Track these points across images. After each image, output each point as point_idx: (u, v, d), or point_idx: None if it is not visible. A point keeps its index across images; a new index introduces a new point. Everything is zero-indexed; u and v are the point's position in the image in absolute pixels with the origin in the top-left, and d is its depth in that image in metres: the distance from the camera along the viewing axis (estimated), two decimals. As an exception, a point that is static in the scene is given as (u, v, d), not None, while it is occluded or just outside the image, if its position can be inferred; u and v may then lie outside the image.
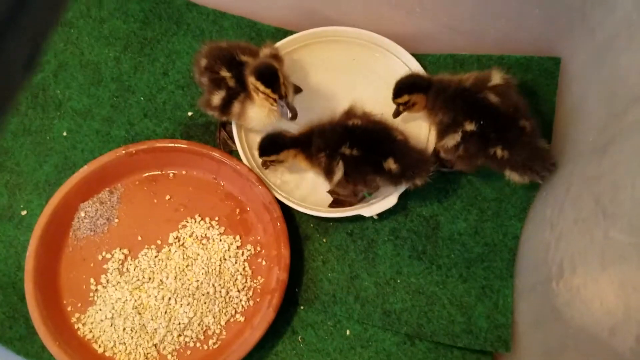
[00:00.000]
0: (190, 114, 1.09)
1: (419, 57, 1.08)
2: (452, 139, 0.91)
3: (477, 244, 0.99)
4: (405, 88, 0.96)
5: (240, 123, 1.00)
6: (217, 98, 0.96)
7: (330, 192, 1.01)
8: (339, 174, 0.92)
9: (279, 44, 1.07)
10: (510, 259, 0.96)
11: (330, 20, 1.10)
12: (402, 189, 0.97)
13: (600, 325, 0.65)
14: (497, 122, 0.89)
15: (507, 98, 0.91)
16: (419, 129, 1.05)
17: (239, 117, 0.97)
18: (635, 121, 0.73)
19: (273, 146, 0.94)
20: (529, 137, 0.90)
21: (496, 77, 0.93)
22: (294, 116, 0.89)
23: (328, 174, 0.94)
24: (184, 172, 1.04)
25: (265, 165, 0.98)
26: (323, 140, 0.93)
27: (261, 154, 0.96)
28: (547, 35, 1.03)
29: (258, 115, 0.94)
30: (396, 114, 1.00)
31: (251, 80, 0.89)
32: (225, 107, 0.96)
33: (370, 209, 0.97)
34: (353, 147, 0.91)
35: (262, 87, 0.88)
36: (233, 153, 1.03)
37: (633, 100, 0.75)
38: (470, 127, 0.90)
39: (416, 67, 1.07)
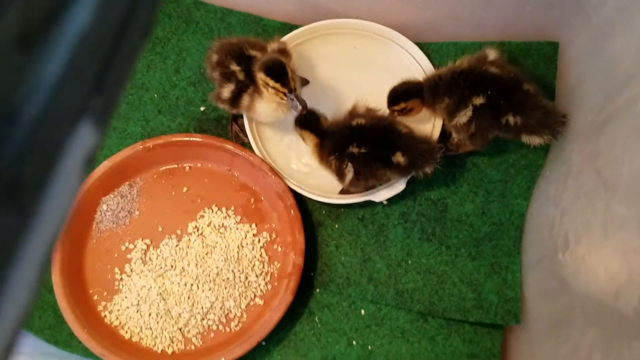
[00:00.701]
0: (202, 109, 1.13)
1: (422, 46, 1.12)
2: (464, 116, 0.94)
3: (485, 223, 1.02)
4: (402, 95, 1.00)
5: (250, 116, 1.04)
6: (227, 91, 1.00)
7: (343, 191, 1.05)
8: (349, 175, 0.96)
9: (285, 38, 1.11)
10: (517, 236, 1.00)
11: (334, 13, 1.14)
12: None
13: (605, 291, 0.68)
14: (503, 90, 0.93)
15: (505, 68, 0.95)
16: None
17: (249, 110, 1.01)
18: (629, 100, 0.76)
19: (301, 121, 0.99)
20: (535, 98, 0.94)
21: (492, 54, 0.98)
22: (304, 108, 0.92)
23: (340, 176, 0.98)
24: (199, 165, 1.08)
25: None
26: (332, 142, 0.97)
27: (294, 124, 1.01)
28: (545, 21, 1.07)
29: (266, 109, 0.98)
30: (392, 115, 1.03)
31: (260, 76, 0.93)
32: (235, 99, 1.00)
33: (380, 195, 1.01)
34: (361, 146, 0.95)
35: (271, 82, 0.91)
36: (245, 145, 1.07)
37: (627, 80, 0.78)
38: (478, 100, 0.93)
39: (420, 56, 1.11)
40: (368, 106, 1.00)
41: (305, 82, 1.07)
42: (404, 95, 0.99)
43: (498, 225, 1.02)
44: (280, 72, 0.92)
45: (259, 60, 0.96)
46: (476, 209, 1.04)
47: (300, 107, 0.92)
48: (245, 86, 0.98)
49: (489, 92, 0.93)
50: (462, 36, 1.13)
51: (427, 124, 1.08)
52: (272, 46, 1.02)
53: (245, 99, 0.99)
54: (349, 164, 0.95)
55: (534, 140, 0.95)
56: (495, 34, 1.12)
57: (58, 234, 0.15)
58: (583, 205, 0.78)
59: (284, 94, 0.92)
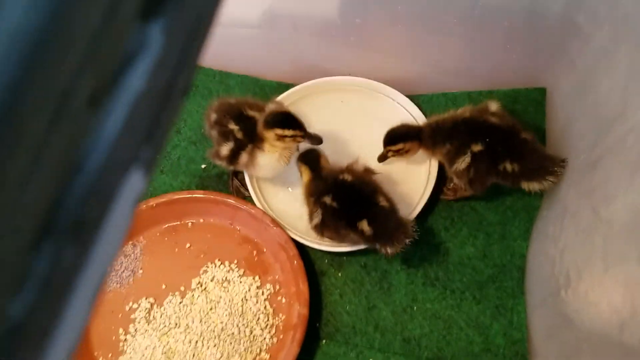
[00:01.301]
0: (203, 166, 1.15)
1: (413, 98, 1.16)
2: (463, 162, 0.97)
3: (487, 266, 1.03)
4: (401, 136, 1.03)
5: (250, 172, 1.06)
6: (225, 149, 1.02)
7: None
8: (315, 220, 0.98)
9: (281, 97, 1.15)
10: (520, 277, 1.01)
11: (327, 71, 1.19)
12: None
13: (610, 325, 0.69)
14: (501, 138, 0.96)
15: (504, 119, 0.99)
16: (419, 174, 1.11)
17: (247, 167, 1.03)
18: (619, 138, 0.79)
19: (302, 155, 1.03)
20: (533, 145, 0.97)
21: (493, 106, 1.02)
22: (320, 141, 0.97)
23: (310, 217, 1.00)
24: (201, 221, 1.09)
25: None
26: (316, 185, 1.00)
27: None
28: (531, 68, 1.12)
29: (268, 161, 1.00)
30: (382, 158, 1.06)
31: (276, 132, 0.96)
32: (234, 157, 1.02)
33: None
34: (334, 200, 0.97)
35: (290, 132, 0.95)
36: (247, 199, 1.09)
37: (615, 119, 0.82)
38: (477, 147, 0.96)
39: (412, 108, 1.15)
40: (368, 166, 1.03)
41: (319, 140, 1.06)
42: (403, 136, 1.02)
43: (500, 267, 1.03)
44: (292, 119, 0.96)
45: (261, 119, 0.99)
46: (477, 251, 1.05)
47: (316, 142, 0.97)
48: (244, 144, 1.01)
49: (487, 140, 0.96)
50: (451, 87, 1.17)
51: (423, 165, 1.10)
52: (271, 107, 1.05)
53: (244, 157, 1.02)
54: (319, 211, 0.97)
55: (534, 186, 0.97)
56: (483, 83, 1.16)
57: (110, 268, 0.17)
58: (582, 242, 0.80)
59: (302, 136, 0.96)
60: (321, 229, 0.98)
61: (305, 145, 1.03)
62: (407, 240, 0.94)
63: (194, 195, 1.08)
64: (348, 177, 0.98)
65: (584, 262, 0.78)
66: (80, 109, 0.13)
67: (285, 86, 1.20)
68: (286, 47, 1.16)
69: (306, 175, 1.02)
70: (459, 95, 1.17)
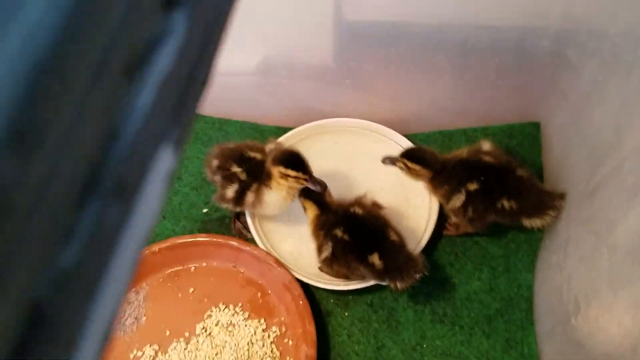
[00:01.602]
0: (205, 210, 1.16)
1: (410, 137, 1.18)
2: (458, 200, 0.98)
3: (494, 299, 1.03)
4: (423, 160, 1.01)
5: (255, 211, 1.07)
6: (230, 191, 1.03)
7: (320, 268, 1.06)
8: (325, 253, 0.98)
9: (280, 139, 1.17)
10: (528, 309, 1.00)
11: (324, 114, 1.21)
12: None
13: (622, 347, 0.68)
14: (497, 175, 0.98)
15: (499, 157, 1.00)
16: (421, 209, 1.12)
17: (254, 206, 1.04)
18: (615, 165, 0.80)
19: (305, 191, 1.01)
20: (529, 182, 0.98)
21: (486, 145, 1.03)
22: (324, 188, 0.97)
23: (318, 251, 1.00)
24: (204, 264, 1.09)
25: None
26: (325, 218, 1.00)
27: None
28: (524, 103, 1.15)
29: (275, 199, 1.01)
30: (390, 162, 1.04)
31: (279, 170, 0.97)
32: (239, 198, 1.03)
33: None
34: (345, 233, 0.97)
35: (292, 172, 0.96)
36: (249, 241, 1.09)
37: (610, 148, 0.83)
38: (473, 186, 0.97)
39: (409, 146, 1.17)
40: (376, 201, 1.04)
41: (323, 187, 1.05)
42: (424, 161, 1.01)
43: (507, 300, 1.02)
44: (298, 161, 0.97)
45: (270, 155, 1.01)
46: (483, 286, 1.05)
47: (320, 189, 0.97)
48: (248, 185, 1.02)
49: (483, 178, 0.98)
50: (447, 125, 1.20)
51: (424, 200, 1.11)
52: (270, 147, 1.07)
53: (250, 197, 1.03)
54: (329, 244, 0.97)
55: (535, 223, 0.98)
56: (478, 120, 1.19)
57: (149, 232, 0.17)
58: (587, 268, 0.80)
59: (305, 180, 0.96)
60: (330, 262, 0.97)
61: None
62: (417, 275, 0.94)
63: (196, 239, 1.08)
64: (359, 210, 0.99)
65: (591, 288, 0.78)
66: (116, 77, 0.14)
67: (284, 130, 1.22)
68: (283, 92, 1.19)
69: (312, 210, 1.02)
70: (455, 132, 1.19)
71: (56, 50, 0.11)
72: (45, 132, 0.12)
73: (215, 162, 1.07)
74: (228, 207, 1.06)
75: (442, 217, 1.09)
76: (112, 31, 0.13)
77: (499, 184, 0.98)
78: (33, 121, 0.11)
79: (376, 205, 1.03)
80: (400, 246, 0.97)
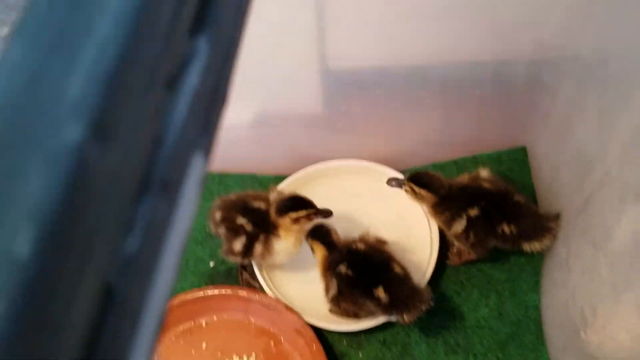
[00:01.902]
0: (211, 264, 1.18)
1: (405, 172, 1.22)
2: (460, 225, 1.01)
3: (504, 324, 1.04)
4: (430, 185, 1.04)
5: (265, 261, 1.08)
6: (238, 244, 1.05)
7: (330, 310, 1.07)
8: (332, 291, 1.00)
9: (280, 186, 1.21)
10: (538, 330, 1.01)
11: (320, 158, 1.25)
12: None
13: (634, 353, 0.70)
14: (495, 201, 1.01)
15: (497, 183, 1.04)
16: (422, 242, 1.15)
17: (263, 257, 1.06)
18: (603, 176, 0.84)
19: (312, 231, 1.03)
20: (526, 207, 1.01)
21: (483, 172, 1.07)
22: (331, 214, 1.01)
23: (326, 290, 1.02)
24: (215, 318, 1.10)
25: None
26: (332, 258, 1.02)
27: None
28: (509, 129, 1.19)
29: (285, 247, 1.03)
30: (396, 184, 1.08)
31: (290, 216, 1.00)
32: (247, 250, 1.05)
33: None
34: (349, 268, 0.99)
35: (303, 212, 0.99)
36: (257, 289, 1.11)
37: (596, 160, 0.87)
38: (473, 212, 1.00)
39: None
40: (379, 237, 1.07)
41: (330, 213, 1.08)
42: (430, 186, 1.04)
43: (517, 324, 1.03)
44: (300, 200, 1.01)
45: (272, 209, 1.03)
46: (492, 312, 1.06)
47: (328, 215, 1.01)
48: (256, 236, 1.04)
49: (482, 204, 1.01)
50: (438, 157, 1.24)
51: (424, 232, 1.14)
52: (272, 195, 1.10)
53: (258, 248, 1.04)
54: (335, 281, 0.99)
55: (535, 246, 1.01)
56: (466, 150, 1.23)
57: (189, 229, 0.20)
58: (589, 279, 0.82)
59: (315, 213, 1.00)
60: (337, 300, 0.99)
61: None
62: (424, 307, 0.95)
63: (205, 293, 1.09)
64: (361, 245, 1.01)
65: (595, 298, 0.80)
66: (161, 89, 0.17)
67: (282, 178, 1.26)
68: (278, 141, 1.23)
69: (320, 251, 1.04)
70: (446, 164, 1.23)
71: (122, 62, 0.15)
72: (118, 128, 0.15)
73: (218, 215, 1.09)
74: (236, 260, 1.08)
75: (443, 249, 1.12)
76: (157, 51, 0.16)
77: (498, 209, 1.01)
78: (109, 118, 0.14)
79: (380, 241, 1.05)
80: (404, 278, 0.99)
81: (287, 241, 1.03)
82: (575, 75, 0.94)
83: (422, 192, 1.04)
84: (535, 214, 1.02)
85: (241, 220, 1.05)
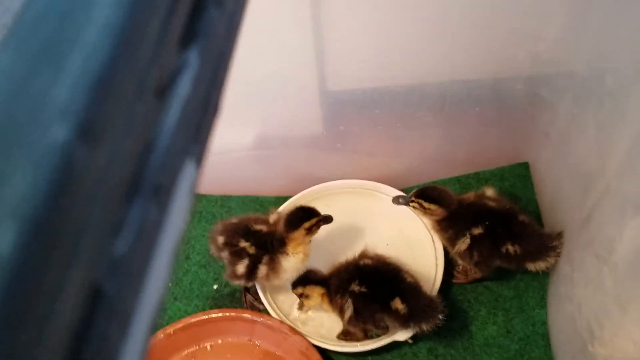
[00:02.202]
0: (215, 287, 1.17)
1: (406, 191, 1.22)
2: (463, 243, 1.01)
3: (512, 341, 1.02)
4: (438, 200, 1.04)
5: (268, 283, 1.08)
6: (241, 267, 1.04)
7: (340, 336, 1.06)
8: (348, 312, 0.99)
9: (280, 208, 1.21)
10: (546, 345, 1.00)
11: (321, 178, 1.25)
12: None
13: (643, 365, 0.69)
14: (500, 220, 1.01)
15: (502, 202, 1.04)
16: (427, 260, 1.14)
17: (267, 278, 1.05)
18: (604, 189, 0.84)
19: (300, 279, 1.02)
20: (531, 227, 1.01)
21: (489, 191, 1.07)
22: (331, 219, 1.02)
23: (340, 312, 1.00)
24: (219, 342, 1.09)
25: (300, 305, 1.04)
26: (337, 280, 1.01)
27: (292, 288, 1.04)
28: (510, 145, 1.20)
29: (294, 263, 1.03)
30: (404, 202, 1.08)
31: (305, 226, 1.00)
32: (251, 273, 1.04)
33: (404, 333, 1.02)
34: (362, 285, 0.98)
35: (314, 220, 1.00)
36: (262, 312, 1.10)
37: (597, 174, 0.87)
38: (477, 230, 1.00)
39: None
40: (377, 252, 1.06)
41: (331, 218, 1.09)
42: (439, 200, 1.04)
43: (525, 340, 1.02)
44: (308, 210, 1.02)
45: (281, 225, 1.03)
46: (499, 329, 1.05)
47: (330, 220, 1.02)
48: (259, 258, 1.04)
49: (487, 223, 1.01)
50: (440, 175, 1.24)
51: (429, 250, 1.13)
52: (273, 217, 1.10)
53: (262, 270, 1.04)
54: (349, 301, 0.98)
55: (540, 266, 1.01)
56: (468, 166, 1.23)
57: (180, 235, 0.20)
58: (594, 291, 0.81)
59: (322, 220, 1.01)
60: (356, 319, 0.98)
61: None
62: (441, 316, 0.95)
63: (209, 316, 1.08)
64: (368, 261, 1.01)
65: (601, 311, 0.79)
66: (150, 96, 0.18)
67: (284, 199, 1.26)
68: (279, 163, 1.24)
69: (317, 292, 1.02)
70: (448, 181, 1.23)
71: (109, 69, 0.15)
72: (105, 131, 0.15)
73: (221, 239, 1.08)
74: (240, 282, 1.07)
75: (449, 267, 1.11)
76: (146, 60, 0.17)
77: (503, 228, 1.01)
78: (96, 121, 0.14)
79: (380, 255, 1.05)
80: (418, 287, 0.99)
81: (296, 257, 1.03)
82: (573, 90, 0.95)
83: (432, 207, 1.04)
84: (540, 233, 1.01)
85: (244, 244, 1.05)
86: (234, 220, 1.11)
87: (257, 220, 1.09)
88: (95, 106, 0.14)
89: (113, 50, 0.16)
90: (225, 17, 0.23)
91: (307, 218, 1.00)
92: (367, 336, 1.03)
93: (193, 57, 0.20)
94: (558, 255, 0.99)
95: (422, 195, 1.05)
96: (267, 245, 1.03)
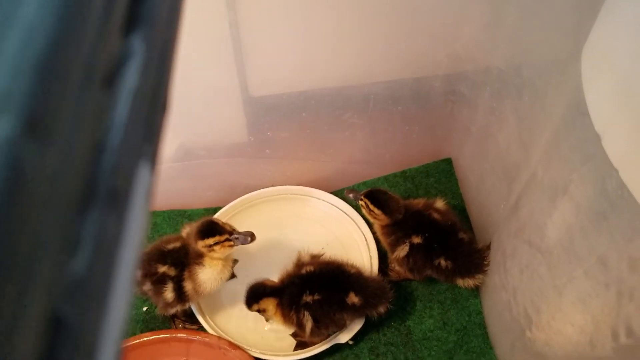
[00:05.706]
0: (145, 308, 1.11)
1: (336, 193, 1.22)
2: (403, 250, 1.02)
3: (450, 333, 1.04)
4: (381, 202, 1.04)
5: (197, 296, 1.03)
6: (168, 293, 0.99)
7: (294, 334, 1.04)
8: (309, 324, 0.97)
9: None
10: (483, 334, 1.02)
11: (250, 187, 1.22)
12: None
13: (581, 346, 0.71)
14: (439, 234, 1.02)
15: (447, 216, 1.05)
16: (360, 258, 1.15)
17: (195, 291, 1.00)
18: (529, 178, 0.87)
19: (251, 297, 0.98)
20: (468, 245, 1.03)
21: (439, 203, 1.08)
22: (253, 238, 0.96)
23: (300, 327, 0.98)
24: (154, 366, 1.03)
25: (266, 318, 1.02)
26: (288, 297, 0.98)
27: (247, 306, 0.99)
28: (433, 143, 1.22)
29: (211, 275, 0.98)
30: (354, 197, 1.08)
31: (204, 243, 0.95)
32: (180, 294, 0.99)
33: (344, 336, 1.01)
34: (314, 293, 0.97)
35: (212, 240, 0.94)
36: (199, 329, 1.05)
37: (520, 164, 0.91)
38: (417, 240, 1.02)
39: (339, 203, 1.20)
40: (312, 253, 1.05)
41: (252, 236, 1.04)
42: (384, 206, 1.03)
43: (462, 330, 1.04)
44: (210, 226, 0.96)
45: (190, 236, 0.98)
46: (436, 322, 1.06)
47: (249, 240, 0.96)
48: (180, 276, 0.99)
49: (426, 235, 1.02)
50: (369, 175, 1.25)
51: (363, 251, 1.13)
52: (185, 230, 1.05)
53: (188, 286, 0.99)
54: (306, 313, 0.96)
55: (468, 283, 1.04)
56: (395, 165, 1.25)
57: (140, 244, 0.18)
58: (529, 278, 0.84)
59: (228, 239, 0.95)
60: (318, 328, 0.97)
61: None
62: (391, 292, 1.00)
63: (141, 340, 1.02)
64: (310, 267, 1.00)
65: (537, 296, 0.82)
66: (97, 86, 0.15)
67: (213, 210, 1.22)
68: (205, 173, 1.19)
69: (271, 303, 0.99)
70: (377, 180, 1.24)
71: (52, 50, 0.12)
72: (55, 123, 0.12)
73: (138, 274, 1.02)
74: (176, 310, 1.02)
75: (382, 264, 1.12)
76: (89, 43, 0.14)
77: (440, 242, 1.02)
78: (44, 113, 0.12)
79: (316, 256, 1.04)
80: (363, 275, 1.01)
81: (213, 269, 0.98)
82: (491, 85, 0.99)
83: (377, 211, 1.04)
84: (474, 252, 1.04)
85: (162, 268, 0.99)
86: (146, 249, 1.04)
87: (168, 240, 1.04)
88: (40, 94, 0.12)
89: (55, 28, 0.13)
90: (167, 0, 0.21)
91: (205, 236, 0.95)
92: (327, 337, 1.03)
93: (137, 44, 0.17)
94: (486, 273, 1.02)
95: (371, 196, 1.05)
96: (184, 260, 0.99)
